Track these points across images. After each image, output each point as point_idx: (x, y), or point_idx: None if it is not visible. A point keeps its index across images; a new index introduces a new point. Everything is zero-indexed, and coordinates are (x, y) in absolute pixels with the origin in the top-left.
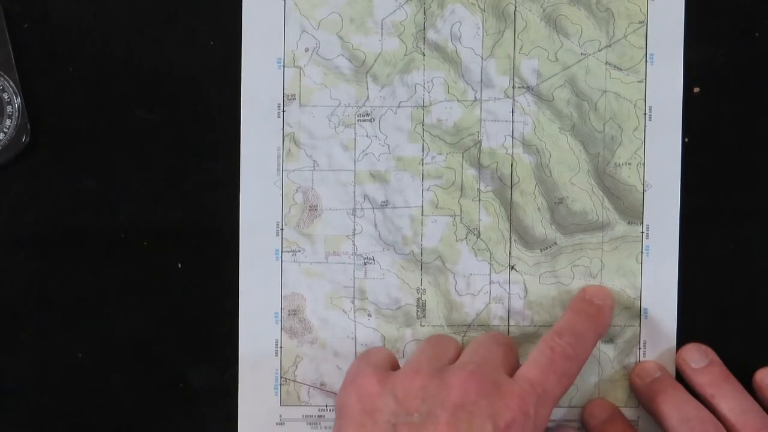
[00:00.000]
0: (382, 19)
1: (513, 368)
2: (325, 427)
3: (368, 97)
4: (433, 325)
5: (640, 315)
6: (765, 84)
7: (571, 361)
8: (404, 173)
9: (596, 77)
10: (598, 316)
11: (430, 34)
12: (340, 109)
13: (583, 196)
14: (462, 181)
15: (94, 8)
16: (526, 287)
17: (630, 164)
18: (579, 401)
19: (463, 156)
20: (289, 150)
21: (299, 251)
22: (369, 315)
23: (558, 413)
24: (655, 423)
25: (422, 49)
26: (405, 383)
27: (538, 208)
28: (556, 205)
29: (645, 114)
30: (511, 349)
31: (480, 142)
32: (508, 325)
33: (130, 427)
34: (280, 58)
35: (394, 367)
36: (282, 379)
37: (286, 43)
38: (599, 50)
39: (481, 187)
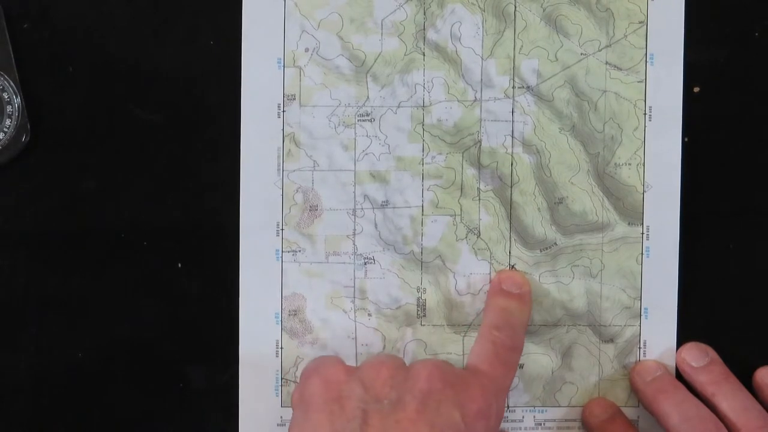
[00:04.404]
0: (382, 19)
1: None
2: None
3: (368, 97)
4: (433, 325)
5: (641, 315)
6: (765, 84)
7: (513, 352)
8: (404, 173)
9: (596, 77)
10: (522, 306)
11: (430, 34)
12: (340, 109)
13: (583, 196)
14: (462, 180)
15: (94, 8)
16: None
17: (630, 164)
18: (579, 401)
19: (463, 156)
20: (289, 150)
21: (299, 251)
22: (369, 315)
23: (558, 413)
24: (656, 422)
25: (422, 49)
26: (372, 372)
27: (538, 208)
28: (555, 205)
29: (645, 114)
30: (450, 364)
31: (480, 141)
32: None
33: (130, 427)
34: (280, 58)
35: None
36: (282, 380)
37: (286, 43)
38: (599, 50)
39: (481, 187)
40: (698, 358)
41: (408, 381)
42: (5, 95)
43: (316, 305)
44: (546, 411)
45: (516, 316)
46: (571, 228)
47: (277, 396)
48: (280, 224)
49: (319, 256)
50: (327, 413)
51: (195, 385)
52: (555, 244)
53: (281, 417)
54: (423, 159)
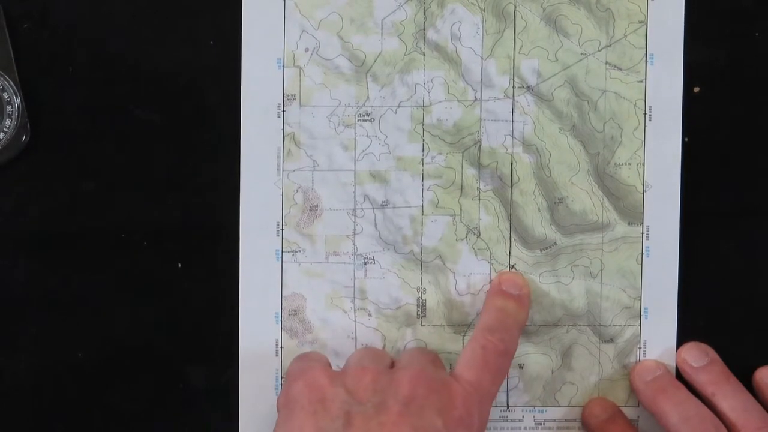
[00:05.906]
0: (382, 19)
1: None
2: None
3: (368, 97)
4: (433, 325)
5: (641, 315)
6: (765, 84)
7: (504, 357)
8: (404, 173)
9: (596, 77)
10: (520, 307)
11: (430, 34)
12: (340, 109)
13: (583, 196)
14: (462, 180)
15: (94, 8)
16: None
17: (630, 164)
18: (579, 401)
19: (463, 155)
20: (289, 150)
21: (299, 251)
22: (369, 315)
23: (558, 413)
24: (656, 422)
25: (422, 49)
26: (355, 377)
27: (538, 208)
28: (555, 205)
29: (645, 114)
30: (439, 359)
31: (480, 141)
32: None
33: (130, 427)
34: (280, 58)
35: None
36: (282, 379)
37: (286, 43)
38: (599, 50)
39: (481, 187)
40: (698, 358)
41: (391, 385)
42: (5, 95)
43: (316, 305)
44: (546, 411)
45: (512, 317)
46: (571, 228)
47: (277, 396)
48: (280, 224)
49: (319, 256)
50: (311, 413)
51: (195, 385)
52: (555, 244)
53: None
54: (423, 159)
